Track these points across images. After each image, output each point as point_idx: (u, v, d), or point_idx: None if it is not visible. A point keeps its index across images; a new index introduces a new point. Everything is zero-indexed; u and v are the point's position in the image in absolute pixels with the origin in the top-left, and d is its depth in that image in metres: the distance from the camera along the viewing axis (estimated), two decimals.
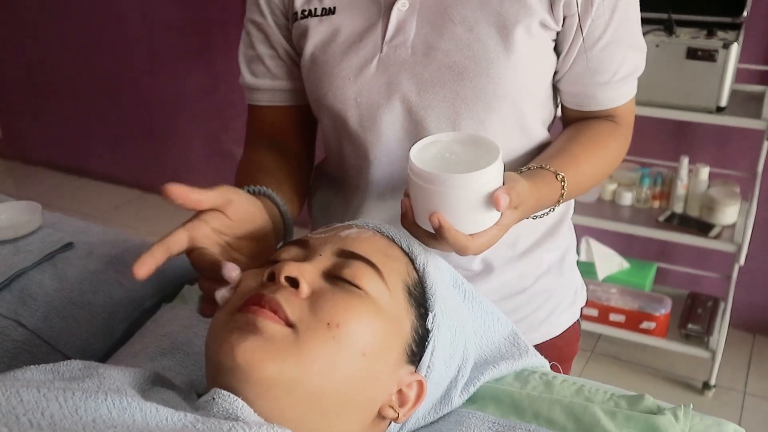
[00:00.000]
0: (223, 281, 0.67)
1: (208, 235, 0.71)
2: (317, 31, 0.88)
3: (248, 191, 0.80)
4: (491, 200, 0.69)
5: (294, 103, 0.98)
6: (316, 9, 0.88)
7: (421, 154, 0.72)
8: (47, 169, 3.81)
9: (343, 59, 0.86)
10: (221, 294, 0.67)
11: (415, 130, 0.87)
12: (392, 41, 0.85)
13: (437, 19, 0.84)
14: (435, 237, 0.72)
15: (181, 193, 0.68)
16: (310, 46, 0.88)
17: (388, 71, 0.85)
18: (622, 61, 0.88)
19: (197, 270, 0.70)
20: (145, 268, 0.66)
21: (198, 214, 0.71)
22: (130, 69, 3.35)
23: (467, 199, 0.69)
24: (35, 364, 0.66)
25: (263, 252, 0.76)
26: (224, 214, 0.72)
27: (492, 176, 0.69)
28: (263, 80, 0.96)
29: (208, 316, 0.69)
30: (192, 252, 0.69)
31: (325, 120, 0.93)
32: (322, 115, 0.93)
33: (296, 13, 0.89)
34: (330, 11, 0.87)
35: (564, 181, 0.82)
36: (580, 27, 0.84)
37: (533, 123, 0.91)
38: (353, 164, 0.93)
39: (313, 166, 1.04)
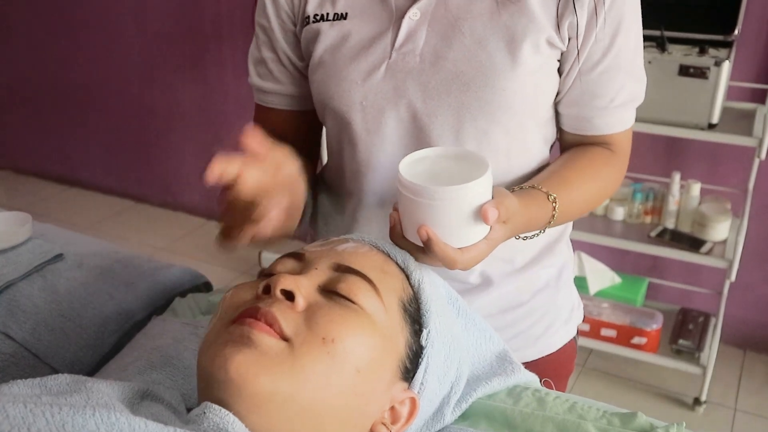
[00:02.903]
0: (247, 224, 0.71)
1: (252, 176, 0.69)
2: (328, 35, 0.89)
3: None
4: (480, 214, 0.69)
5: (299, 108, 0.99)
6: (328, 14, 0.89)
7: (410, 168, 0.73)
8: (38, 178, 3.79)
9: (352, 63, 0.87)
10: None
11: (419, 137, 0.87)
12: (401, 48, 0.86)
13: (447, 30, 0.85)
14: (423, 250, 0.72)
15: (254, 139, 0.69)
16: (320, 49, 0.89)
17: (396, 77, 0.86)
18: (620, 88, 0.88)
19: (233, 201, 0.70)
20: (214, 174, 0.65)
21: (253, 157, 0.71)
22: (124, 79, 3.35)
23: (455, 212, 0.69)
24: (23, 377, 0.65)
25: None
26: (273, 173, 0.72)
27: (481, 190, 0.69)
28: (268, 83, 0.98)
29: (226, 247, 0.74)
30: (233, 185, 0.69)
31: (329, 122, 0.94)
32: (326, 118, 0.93)
33: (308, 17, 0.90)
34: (342, 16, 0.88)
35: (555, 202, 0.82)
36: (578, 49, 0.85)
37: (535, 140, 0.91)
38: (352, 168, 0.93)
39: (316, 169, 1.04)
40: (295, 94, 0.97)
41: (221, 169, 0.65)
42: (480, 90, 0.83)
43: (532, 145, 0.91)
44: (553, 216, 0.83)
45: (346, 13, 0.88)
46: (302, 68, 0.96)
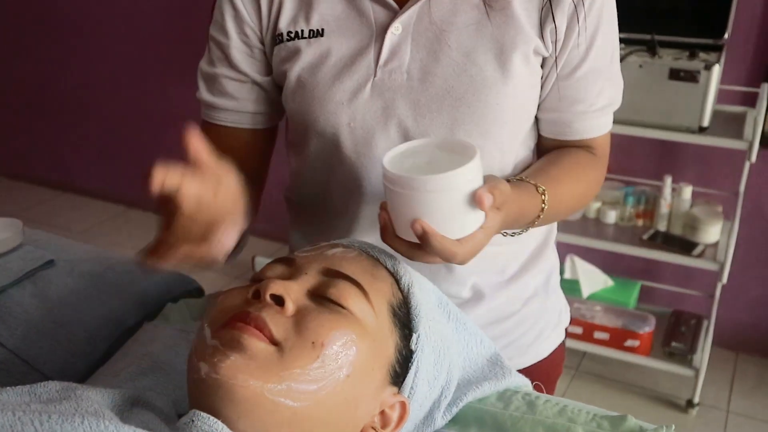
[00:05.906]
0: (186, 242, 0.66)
1: (192, 188, 0.63)
2: (306, 54, 0.85)
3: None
4: (474, 200, 0.66)
5: (254, 126, 0.94)
6: (303, 31, 0.85)
7: (395, 164, 0.70)
8: (31, 184, 3.78)
9: (335, 83, 0.84)
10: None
11: None
12: (386, 66, 0.83)
13: (432, 44, 0.83)
14: (419, 247, 0.69)
15: (198, 146, 0.63)
16: (297, 69, 0.86)
17: (383, 96, 0.84)
18: (600, 92, 0.88)
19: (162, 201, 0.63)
20: (157, 182, 0.59)
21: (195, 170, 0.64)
22: (116, 83, 3.34)
23: (449, 201, 0.66)
24: (13, 383, 0.65)
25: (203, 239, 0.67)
26: (215, 189, 0.65)
27: (472, 175, 0.66)
28: (221, 99, 0.93)
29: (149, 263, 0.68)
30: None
31: (313, 144, 0.90)
32: (310, 140, 0.89)
33: (281, 34, 0.86)
34: (318, 33, 0.85)
35: (545, 195, 0.80)
36: (556, 54, 0.84)
37: (524, 147, 0.91)
38: (342, 189, 0.90)
39: (260, 196, 0.97)
40: (251, 110, 0.93)
41: (163, 177, 0.59)
42: (473, 105, 0.82)
43: (521, 151, 0.91)
44: (543, 209, 0.81)
45: (323, 29, 0.84)
46: (265, 84, 0.91)
